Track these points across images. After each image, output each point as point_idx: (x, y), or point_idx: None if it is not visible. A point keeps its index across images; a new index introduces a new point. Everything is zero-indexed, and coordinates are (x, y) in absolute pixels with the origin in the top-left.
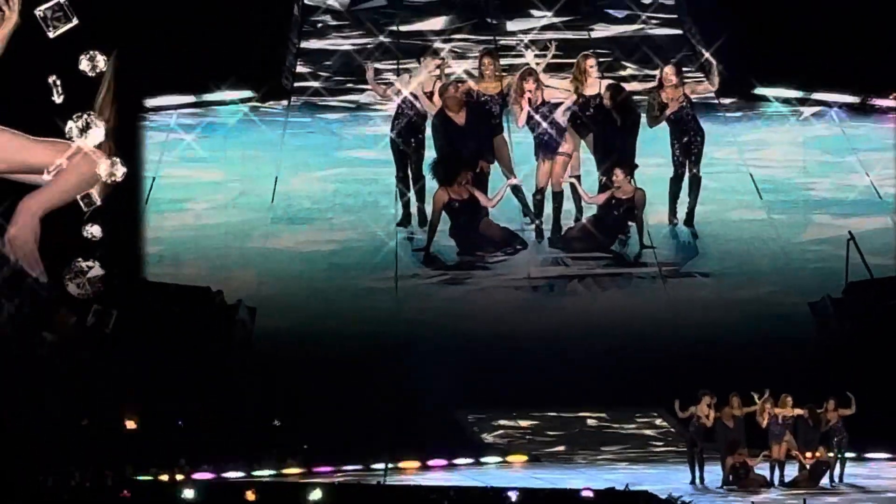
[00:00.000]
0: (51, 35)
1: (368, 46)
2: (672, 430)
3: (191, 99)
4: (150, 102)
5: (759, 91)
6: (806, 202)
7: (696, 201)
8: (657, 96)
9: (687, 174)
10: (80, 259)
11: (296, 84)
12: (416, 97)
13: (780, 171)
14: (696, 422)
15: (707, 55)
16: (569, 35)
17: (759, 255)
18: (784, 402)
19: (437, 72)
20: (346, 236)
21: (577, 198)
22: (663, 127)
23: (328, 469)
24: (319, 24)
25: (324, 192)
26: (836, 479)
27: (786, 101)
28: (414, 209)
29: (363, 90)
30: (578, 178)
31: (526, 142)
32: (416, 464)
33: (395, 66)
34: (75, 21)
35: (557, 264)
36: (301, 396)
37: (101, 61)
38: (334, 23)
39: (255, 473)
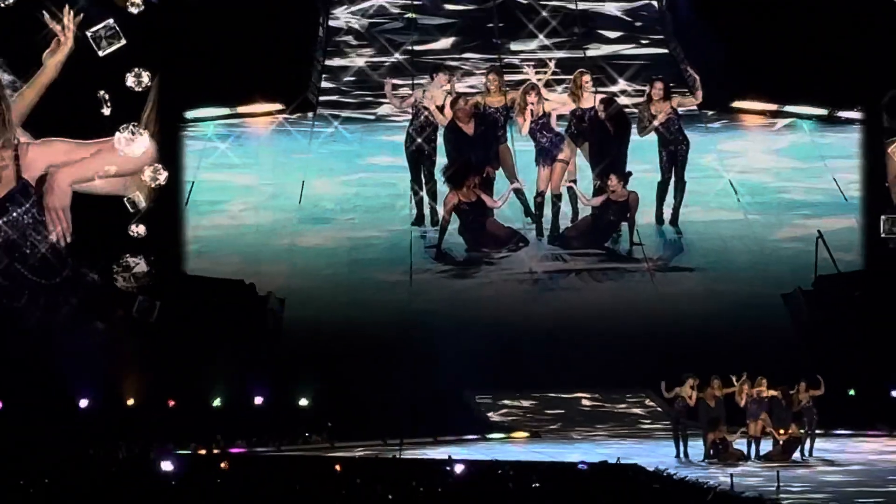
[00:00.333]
0: (101, 54)
1: (386, 64)
2: (659, 409)
3: (226, 111)
4: (190, 114)
5: (737, 104)
6: (779, 204)
7: (681, 203)
8: (647, 109)
9: (673, 179)
10: (127, 255)
11: (320, 98)
12: (428, 110)
13: (755, 176)
14: (679, 402)
15: (692, 71)
16: (565, 54)
17: (738, 251)
18: (759, 383)
19: (448, 87)
20: (365, 234)
21: (574, 200)
22: (652, 136)
23: (350, 444)
24: (342, 44)
25: (346, 195)
26: (807, 454)
27: (761, 113)
28: (427, 210)
29: (381, 103)
30: (575, 182)
31: (527, 150)
32: (429, 439)
33: (411, 82)
34: (123, 41)
35: (556, 260)
36: (325, 378)
37: (145, 77)
38: (355, 42)
39: (284, 448)
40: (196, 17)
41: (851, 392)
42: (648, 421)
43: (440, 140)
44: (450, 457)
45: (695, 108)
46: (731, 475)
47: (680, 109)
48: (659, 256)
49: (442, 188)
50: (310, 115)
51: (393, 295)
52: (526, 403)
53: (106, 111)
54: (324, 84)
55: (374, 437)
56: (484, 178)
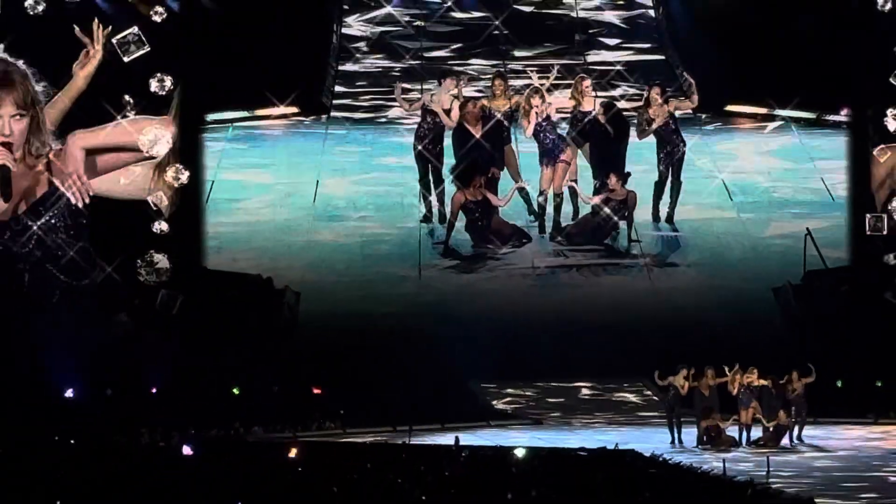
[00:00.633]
0: (125, 60)
1: (396, 69)
2: (655, 398)
3: (244, 114)
4: (210, 117)
5: (731, 108)
6: (770, 203)
7: (677, 202)
8: (645, 113)
9: (670, 179)
10: (151, 251)
11: (334, 101)
12: (435, 113)
13: (748, 176)
14: (672, 391)
15: (688, 77)
16: (566, 60)
17: (731, 248)
18: (750, 372)
19: (455, 91)
20: (377, 231)
21: (574, 199)
22: (650, 138)
23: (361, 430)
24: (355, 51)
25: (358, 194)
26: (796, 440)
27: (753, 116)
28: (435, 208)
29: (391, 106)
30: (576, 182)
31: (530, 151)
32: (437, 426)
33: (420, 87)
34: (147, 48)
35: (558, 256)
36: (339, 368)
37: (168, 82)
38: (367, 49)
39: (299, 434)
40: (215, 25)
41: (839, 383)
42: (645, 409)
43: (447, 142)
44: (456, 437)
45: (690, 111)
46: (724, 460)
47: (677, 113)
48: (656, 253)
49: (449, 187)
50: (324, 117)
51: (403, 288)
52: (529, 392)
53: (130, 115)
54: (337, 88)
55: (385, 423)
56: (489, 178)
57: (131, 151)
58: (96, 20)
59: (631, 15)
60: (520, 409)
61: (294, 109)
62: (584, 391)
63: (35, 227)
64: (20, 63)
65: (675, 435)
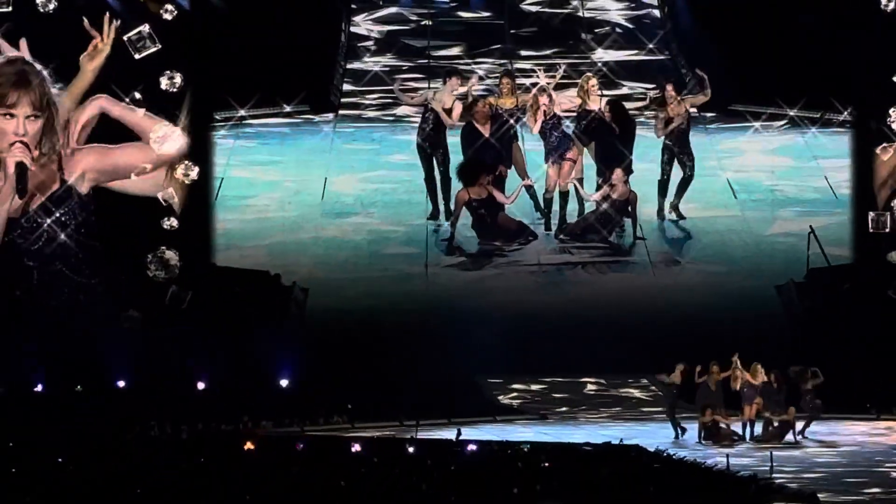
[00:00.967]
0: (136, 57)
1: (404, 67)
2: (660, 393)
3: (254, 111)
4: (220, 114)
5: (735, 107)
6: (773, 201)
7: (681, 200)
8: (662, 111)
9: (682, 175)
10: (161, 247)
11: (342, 99)
12: (435, 112)
13: (751, 174)
14: (671, 387)
15: (699, 72)
16: (572, 59)
17: (734, 245)
18: (754, 369)
19: (459, 91)
20: (384, 228)
21: (580, 197)
22: (649, 137)
23: (369, 425)
24: (362, 49)
25: (366, 191)
26: (799, 435)
27: (757, 115)
28: (441, 206)
29: (399, 104)
30: (581, 180)
31: (535, 150)
32: (444, 420)
33: (427, 86)
34: (158, 46)
35: (563, 253)
36: (346, 363)
37: (178, 79)
38: (375, 47)
39: (307, 428)
40: (224, 24)
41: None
42: (649, 405)
43: (452, 139)
44: (458, 430)
45: (695, 110)
46: (728, 456)
47: (692, 109)
48: (660, 250)
49: (455, 185)
50: (332, 115)
51: (410, 285)
52: (535, 387)
53: (140, 112)
54: (345, 86)
55: (392, 418)
56: (497, 176)
57: (139, 144)
58: (107, 14)
59: (636, 14)
60: (525, 404)
61: (303, 107)
62: (590, 387)
63: (46, 224)
64: (37, 65)
65: (678, 431)
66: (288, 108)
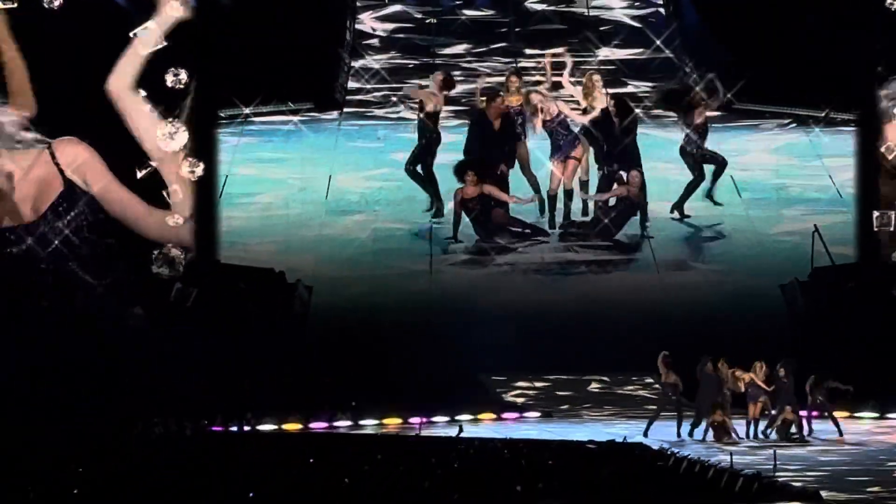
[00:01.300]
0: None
1: (409, 65)
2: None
3: (259, 109)
4: (225, 112)
5: (740, 106)
6: (778, 200)
7: (687, 198)
8: (688, 116)
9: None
10: (168, 244)
11: (347, 97)
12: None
13: (756, 173)
14: (668, 388)
15: (713, 79)
16: (578, 58)
17: (738, 244)
18: (755, 368)
19: (435, 89)
20: (388, 226)
21: (585, 195)
22: (657, 135)
23: (372, 422)
24: (368, 47)
25: (370, 189)
26: (806, 433)
27: (762, 114)
28: (445, 205)
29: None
30: (586, 183)
31: (539, 148)
32: (447, 419)
33: (430, 83)
34: (164, 43)
35: (567, 251)
36: (350, 361)
37: (183, 76)
38: (380, 45)
39: (310, 426)
40: (230, 21)
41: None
42: (653, 403)
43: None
44: (460, 426)
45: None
46: (731, 454)
47: (709, 113)
48: (664, 249)
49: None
50: (336, 113)
51: (413, 283)
52: (539, 385)
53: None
54: (350, 84)
55: (395, 415)
56: (499, 174)
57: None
58: None
59: (641, 13)
60: (529, 402)
61: (307, 105)
62: (594, 385)
63: (60, 228)
64: None
65: (682, 429)
66: (293, 106)
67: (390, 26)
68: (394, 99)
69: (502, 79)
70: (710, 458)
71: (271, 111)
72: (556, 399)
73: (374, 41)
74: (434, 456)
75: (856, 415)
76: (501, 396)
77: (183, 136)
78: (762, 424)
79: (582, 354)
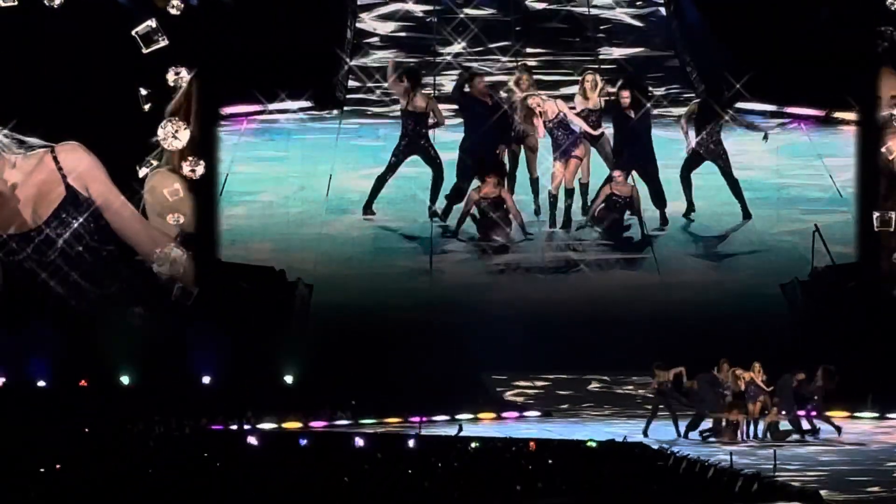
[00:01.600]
0: (144, 51)
1: (410, 64)
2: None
3: (259, 108)
4: (226, 110)
5: (741, 106)
6: (778, 200)
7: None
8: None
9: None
10: (170, 244)
11: (347, 96)
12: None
13: (757, 173)
14: (666, 385)
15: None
16: (578, 58)
17: (739, 243)
18: (754, 368)
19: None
20: (389, 225)
21: (586, 195)
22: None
23: (372, 421)
24: (368, 46)
25: (370, 187)
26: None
27: (763, 113)
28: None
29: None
30: (586, 185)
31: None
32: (447, 417)
33: (432, 82)
34: (166, 41)
35: (568, 250)
36: (350, 359)
37: (184, 73)
38: (380, 44)
39: (311, 424)
40: (231, 20)
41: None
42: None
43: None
44: (460, 425)
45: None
46: (731, 454)
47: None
48: (665, 248)
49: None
50: (337, 112)
51: (414, 281)
52: (539, 384)
53: (145, 107)
54: (350, 83)
55: (395, 414)
56: (496, 156)
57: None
58: None
59: (642, 13)
60: (530, 400)
61: (307, 104)
62: (594, 384)
63: (62, 238)
64: None
65: (680, 428)
66: (293, 105)
67: (391, 25)
68: (394, 98)
69: (507, 77)
70: (710, 458)
71: (272, 110)
72: (556, 398)
73: (375, 39)
74: (434, 456)
75: (855, 415)
76: (501, 396)
77: (185, 135)
78: (762, 425)
79: (582, 354)
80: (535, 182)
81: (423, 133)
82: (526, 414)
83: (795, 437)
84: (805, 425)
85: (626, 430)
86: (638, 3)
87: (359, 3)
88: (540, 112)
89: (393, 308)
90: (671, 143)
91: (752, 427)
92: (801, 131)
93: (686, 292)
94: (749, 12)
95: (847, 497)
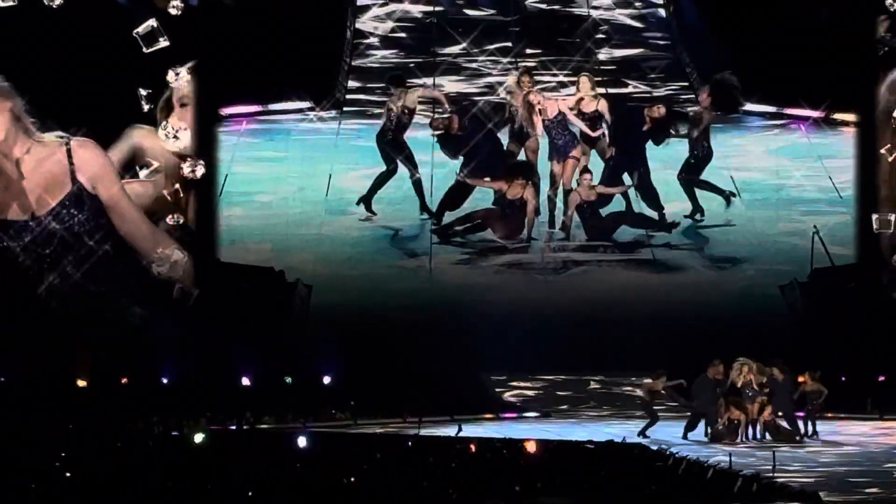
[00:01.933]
0: (145, 51)
1: (409, 64)
2: (662, 391)
3: (259, 108)
4: (225, 111)
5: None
6: (778, 201)
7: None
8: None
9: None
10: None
11: (347, 96)
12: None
13: (756, 174)
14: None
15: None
16: (578, 59)
17: (739, 244)
18: (756, 370)
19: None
20: (388, 225)
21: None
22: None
23: (371, 422)
24: (368, 46)
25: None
26: (810, 432)
27: (762, 115)
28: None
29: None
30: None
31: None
32: (446, 417)
33: (432, 82)
34: (166, 42)
35: (567, 251)
36: (349, 359)
37: (184, 74)
38: (380, 44)
39: (309, 424)
40: (231, 20)
41: (842, 378)
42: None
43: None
44: (459, 426)
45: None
46: (730, 455)
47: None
48: (664, 249)
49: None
50: (336, 112)
51: (413, 282)
52: (538, 385)
53: (144, 108)
54: (350, 83)
55: (395, 414)
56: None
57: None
58: None
59: (641, 14)
60: (528, 401)
61: (307, 104)
62: (593, 384)
63: (60, 231)
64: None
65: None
66: (293, 105)
67: (390, 25)
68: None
69: (509, 79)
70: (709, 459)
71: (272, 110)
72: (555, 399)
73: (375, 40)
74: (434, 456)
75: (855, 415)
76: (501, 396)
77: (185, 136)
78: (760, 425)
79: (581, 354)
80: (536, 185)
81: (405, 126)
82: (525, 414)
83: (795, 437)
84: (802, 428)
85: (625, 430)
86: (637, 4)
87: (358, 3)
88: (540, 109)
89: (392, 308)
90: (671, 144)
91: (749, 427)
92: (800, 132)
93: (686, 293)
94: (749, 12)
95: (846, 498)
